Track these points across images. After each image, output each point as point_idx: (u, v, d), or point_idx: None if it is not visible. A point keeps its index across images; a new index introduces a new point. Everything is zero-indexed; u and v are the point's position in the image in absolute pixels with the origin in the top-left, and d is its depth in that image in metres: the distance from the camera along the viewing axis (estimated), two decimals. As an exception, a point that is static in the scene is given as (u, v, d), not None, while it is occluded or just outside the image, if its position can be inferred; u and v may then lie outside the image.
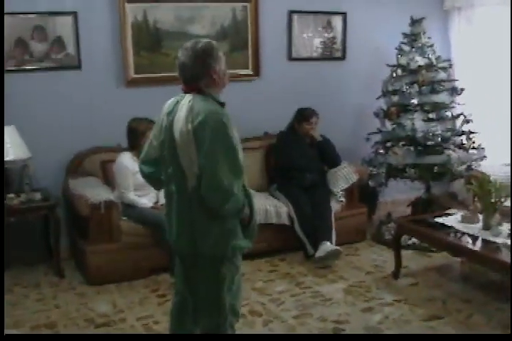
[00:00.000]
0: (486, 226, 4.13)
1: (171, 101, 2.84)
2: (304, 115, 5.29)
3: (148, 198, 4.74)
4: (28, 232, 4.96)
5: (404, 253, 4.76)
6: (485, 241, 4.00)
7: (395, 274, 4.55)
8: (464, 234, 4.16)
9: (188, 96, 2.73)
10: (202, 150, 2.62)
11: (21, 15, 4.78)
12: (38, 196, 4.73)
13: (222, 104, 2.77)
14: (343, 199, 5.31)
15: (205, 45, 2.73)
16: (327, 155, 5.35)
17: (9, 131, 4.61)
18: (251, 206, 2.85)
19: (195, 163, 2.65)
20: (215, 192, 2.65)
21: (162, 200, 4.69)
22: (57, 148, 5.05)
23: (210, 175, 2.63)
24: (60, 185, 5.05)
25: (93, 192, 4.57)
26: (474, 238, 4.07)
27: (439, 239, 4.21)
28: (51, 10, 4.86)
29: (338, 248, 4.81)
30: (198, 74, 2.71)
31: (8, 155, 4.57)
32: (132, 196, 4.66)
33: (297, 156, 5.24)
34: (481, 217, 4.27)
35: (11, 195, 4.62)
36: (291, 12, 5.68)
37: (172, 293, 4.26)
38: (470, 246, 3.99)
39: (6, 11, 4.67)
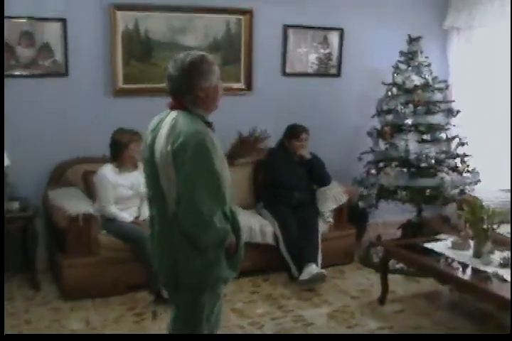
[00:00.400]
0: (477, 254, 3.98)
1: (157, 118, 2.68)
2: (294, 132, 5.16)
3: (129, 212, 4.59)
4: (5, 242, 4.78)
5: (392, 277, 4.61)
6: (474, 270, 3.83)
7: (381, 300, 4.40)
8: (453, 261, 4.00)
9: (173, 114, 2.58)
10: (181, 174, 2.45)
11: (9, 20, 4.65)
12: (15, 206, 4.57)
13: (209, 124, 2.60)
14: (331, 219, 5.15)
15: (195, 58, 2.55)
16: (316, 174, 5.21)
17: (-11, 138, 4.48)
18: (238, 234, 2.68)
19: (173, 187, 2.49)
20: (193, 222, 2.49)
21: (144, 215, 4.56)
22: (40, 157, 4.91)
23: (187, 202, 2.46)
24: (40, 195, 4.90)
25: (72, 203, 4.42)
26: (464, 266, 3.91)
27: (426, 265, 4.06)
28: (40, 16, 4.74)
29: (323, 271, 4.65)
30: (182, 89, 2.56)
31: (-14, 164, 4.44)
32: (113, 209, 4.51)
33: (286, 174, 5.10)
34: (472, 243, 4.12)
35: (-13, 204, 4.46)
36: (287, 26, 5.56)
37: (150, 312, 4.20)
38: (458, 274, 3.82)
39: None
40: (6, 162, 4.53)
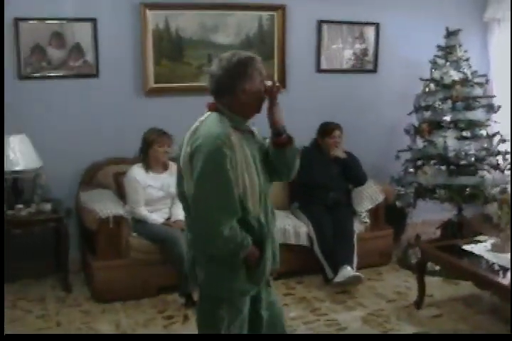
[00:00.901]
0: (517, 257, 3.82)
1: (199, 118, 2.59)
2: (327, 129, 5.04)
3: (159, 214, 4.54)
4: (39, 243, 4.80)
5: (430, 280, 4.46)
6: (515, 274, 3.67)
7: (418, 304, 4.25)
8: (492, 264, 3.84)
9: (206, 115, 2.51)
10: (193, 179, 2.37)
11: (39, 21, 4.65)
12: (48, 207, 4.58)
13: (239, 129, 2.45)
14: (367, 220, 5.02)
15: (242, 58, 2.42)
16: (352, 174, 5.07)
17: (20, 140, 4.49)
18: (263, 247, 2.53)
19: (190, 191, 2.41)
20: (198, 230, 2.43)
21: (175, 216, 4.51)
22: (73, 158, 4.90)
23: (194, 208, 2.40)
24: (74, 196, 4.89)
25: (103, 205, 4.38)
26: (503, 269, 3.75)
27: (464, 269, 3.90)
28: (70, 16, 4.72)
29: (358, 274, 4.52)
30: (223, 90, 2.44)
31: (18, 165, 4.44)
32: (143, 211, 4.46)
33: (320, 174, 4.98)
34: (512, 245, 3.95)
35: (20, 206, 4.46)
36: (321, 22, 5.43)
37: (180, 315, 4.14)
38: (497, 278, 3.67)
39: (23, 16, 4.56)
40: (39, 163, 4.55)
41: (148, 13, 4.88)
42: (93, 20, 4.77)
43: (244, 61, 2.42)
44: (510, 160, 5.01)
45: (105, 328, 3.98)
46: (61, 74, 4.80)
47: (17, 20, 4.56)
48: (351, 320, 4.09)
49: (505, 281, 3.63)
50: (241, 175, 2.38)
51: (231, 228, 2.37)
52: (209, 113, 2.50)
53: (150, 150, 4.44)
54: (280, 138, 2.53)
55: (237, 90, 2.40)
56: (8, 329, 3.85)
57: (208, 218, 2.35)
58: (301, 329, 3.95)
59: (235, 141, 2.37)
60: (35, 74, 4.72)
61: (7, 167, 4.41)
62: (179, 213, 4.56)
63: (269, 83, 2.47)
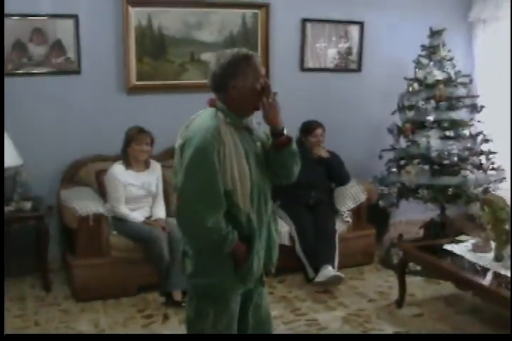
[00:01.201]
0: (498, 258, 3.80)
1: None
2: (309, 128, 5.02)
3: (140, 212, 4.50)
4: (19, 242, 4.75)
5: (411, 279, 4.48)
6: (495, 274, 3.66)
7: (399, 303, 4.24)
8: (473, 264, 3.83)
9: (203, 110, 2.54)
10: (181, 170, 2.39)
11: (20, 18, 4.60)
12: (28, 205, 4.54)
13: (234, 124, 2.45)
14: (349, 219, 5.00)
15: (236, 55, 2.43)
16: (334, 173, 5.05)
17: (-1, 137, 4.43)
18: (252, 244, 2.49)
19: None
20: (179, 220, 2.43)
21: (156, 215, 4.49)
22: (54, 156, 4.86)
23: (180, 198, 2.40)
24: (55, 194, 4.85)
25: (83, 203, 4.34)
26: (484, 270, 3.74)
27: (445, 269, 3.89)
28: (51, 12, 4.67)
29: (339, 274, 4.50)
30: (217, 86, 2.46)
31: (-3, 163, 4.40)
32: (123, 209, 4.42)
33: (303, 172, 4.84)
34: (493, 245, 3.94)
35: (-1, 204, 4.43)
36: (305, 20, 5.41)
37: (160, 314, 4.11)
38: (477, 278, 3.66)
39: (5, 12, 4.50)
40: (19, 161, 4.50)
41: (131, 10, 4.85)
42: (75, 17, 4.73)
43: (238, 58, 2.41)
44: (510, 159, 5.02)
45: (84, 328, 3.94)
46: (42, 71, 4.75)
47: (-3, 16, 4.52)
48: (331, 320, 4.07)
49: (485, 282, 3.62)
50: (230, 168, 2.38)
51: (216, 221, 2.36)
52: (207, 108, 2.51)
53: (129, 148, 4.42)
54: (277, 139, 2.51)
55: (229, 87, 2.41)
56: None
57: (191, 208, 2.36)
58: (281, 329, 3.92)
59: (226, 135, 2.38)
60: (16, 71, 4.68)
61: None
62: (160, 212, 4.55)
63: (261, 81, 2.45)
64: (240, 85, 2.40)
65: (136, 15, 4.88)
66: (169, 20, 5.00)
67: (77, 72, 4.84)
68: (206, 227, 2.35)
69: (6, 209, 4.43)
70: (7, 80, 4.63)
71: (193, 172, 2.35)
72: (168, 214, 4.60)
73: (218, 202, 2.38)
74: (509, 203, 3.91)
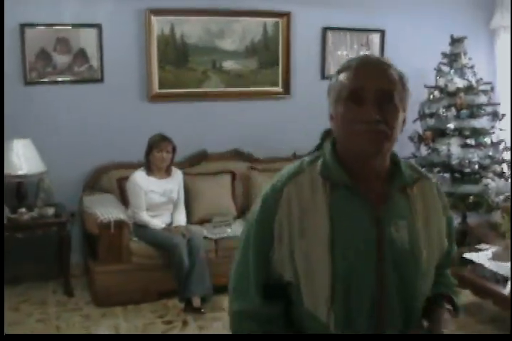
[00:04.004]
0: (517, 266, 3.79)
1: None
2: (325, 134, 5.01)
3: (161, 219, 4.55)
4: (41, 247, 4.82)
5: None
6: (514, 284, 3.64)
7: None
8: (493, 273, 3.81)
9: None
10: None
11: (45, 27, 4.69)
12: (50, 211, 4.60)
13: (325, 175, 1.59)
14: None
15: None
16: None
17: (24, 144, 4.53)
18: None
19: None
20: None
21: (177, 222, 4.53)
22: (76, 163, 4.93)
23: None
24: (77, 200, 4.91)
25: (105, 210, 4.40)
26: (503, 279, 3.72)
27: (464, 277, 3.87)
28: (75, 22, 4.76)
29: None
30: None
31: (22, 169, 4.48)
32: (145, 216, 4.47)
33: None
34: (513, 254, 3.92)
35: (23, 210, 4.49)
36: (326, 28, 5.44)
37: (179, 320, 4.14)
38: (496, 287, 3.64)
39: (30, 22, 4.61)
40: (42, 167, 4.58)
41: (153, 18, 4.91)
42: (98, 26, 4.81)
43: (340, 68, 1.64)
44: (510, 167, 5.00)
45: (104, 333, 3.98)
46: (66, 79, 4.83)
47: (23, 26, 4.61)
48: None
49: (505, 291, 3.60)
50: (291, 244, 1.56)
51: (251, 312, 1.63)
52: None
53: (150, 155, 4.47)
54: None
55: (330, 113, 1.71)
56: (9, 331, 3.90)
57: (232, 276, 1.70)
58: None
59: (305, 193, 1.58)
60: (40, 80, 4.76)
61: (11, 171, 4.46)
62: (180, 219, 4.59)
63: None
64: (333, 107, 1.69)
65: (159, 23, 4.94)
66: (191, 28, 5.06)
67: (100, 80, 4.91)
68: (232, 311, 1.68)
69: (29, 215, 4.50)
70: (31, 88, 4.74)
71: (244, 233, 1.70)
72: (188, 221, 4.65)
73: (249, 283, 1.62)
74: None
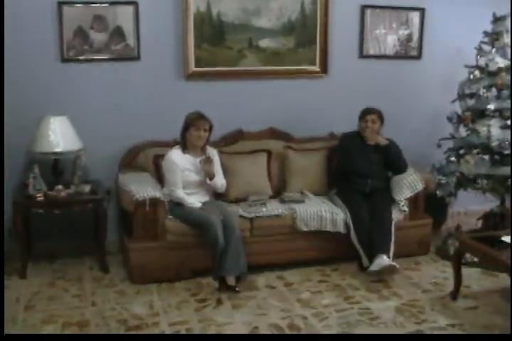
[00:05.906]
0: (557, 250, 3.71)
1: None
2: (361, 113, 4.95)
3: (197, 197, 4.55)
4: (78, 224, 4.88)
5: (468, 271, 4.40)
6: (553, 268, 3.57)
7: (454, 295, 4.18)
8: (530, 256, 3.74)
9: None
10: None
11: (82, 5, 4.68)
12: (87, 189, 4.64)
13: None
14: (406, 208, 4.92)
15: None
16: (392, 161, 4.97)
17: (61, 122, 4.56)
18: None
19: None
20: None
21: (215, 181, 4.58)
22: (113, 140, 4.95)
23: None
24: (113, 178, 4.94)
25: (140, 188, 4.41)
26: (542, 263, 3.65)
27: (501, 261, 3.80)
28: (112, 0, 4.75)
29: (394, 264, 4.45)
30: None
31: (58, 146, 4.52)
32: (181, 193, 4.47)
33: (359, 160, 4.91)
34: (553, 238, 3.84)
35: (59, 187, 4.53)
36: (364, 7, 5.33)
37: (213, 298, 4.15)
38: (534, 271, 3.58)
39: (67, 0, 4.59)
40: (79, 145, 4.61)
41: (190, -4, 4.87)
42: (135, 4, 4.78)
43: None
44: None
45: (138, 309, 4.01)
46: (103, 57, 4.83)
47: (61, 4, 4.61)
48: (384, 310, 4.04)
49: (543, 275, 3.54)
50: None
51: None
52: None
53: (187, 133, 4.46)
54: None
55: None
56: (46, 306, 4.04)
57: None
58: (333, 317, 3.93)
59: None
60: (77, 57, 4.77)
61: (48, 148, 4.50)
62: (218, 179, 4.62)
63: None
64: None
65: (195, 1, 4.90)
66: (228, 6, 5.00)
67: (137, 58, 4.90)
68: None
69: (66, 191, 4.53)
70: (68, 66, 4.75)
71: None
72: (224, 200, 4.71)
73: None
74: None
